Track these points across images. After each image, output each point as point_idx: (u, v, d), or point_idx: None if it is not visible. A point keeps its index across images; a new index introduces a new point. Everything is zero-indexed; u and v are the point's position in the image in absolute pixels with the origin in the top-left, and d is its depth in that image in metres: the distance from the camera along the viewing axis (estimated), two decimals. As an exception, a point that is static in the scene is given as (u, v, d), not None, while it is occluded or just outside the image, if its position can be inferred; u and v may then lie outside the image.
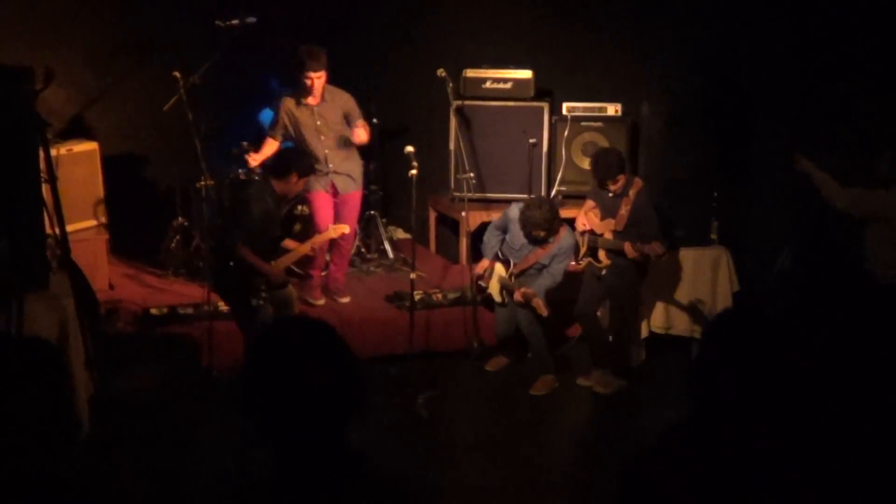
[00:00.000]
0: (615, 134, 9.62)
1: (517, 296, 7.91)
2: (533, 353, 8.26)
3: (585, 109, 9.76)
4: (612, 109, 9.75)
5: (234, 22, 8.31)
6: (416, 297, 8.36)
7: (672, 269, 8.62)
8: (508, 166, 9.60)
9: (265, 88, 9.44)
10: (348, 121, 8.55)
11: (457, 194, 9.27)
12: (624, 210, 7.85)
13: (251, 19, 8.38)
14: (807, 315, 8.21)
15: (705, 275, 8.67)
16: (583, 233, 8.12)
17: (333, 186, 8.58)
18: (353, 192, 8.69)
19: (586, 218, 8.12)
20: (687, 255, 8.68)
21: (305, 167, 7.74)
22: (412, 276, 7.99)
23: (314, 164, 8.26)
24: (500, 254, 8.23)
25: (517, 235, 8.05)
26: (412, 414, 7.60)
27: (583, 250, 8.15)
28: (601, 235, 8.01)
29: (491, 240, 8.24)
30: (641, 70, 9.64)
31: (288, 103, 8.50)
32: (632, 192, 7.86)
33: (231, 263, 7.32)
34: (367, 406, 2.71)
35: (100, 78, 9.68)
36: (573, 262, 8.21)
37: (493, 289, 8.24)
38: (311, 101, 8.42)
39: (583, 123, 9.70)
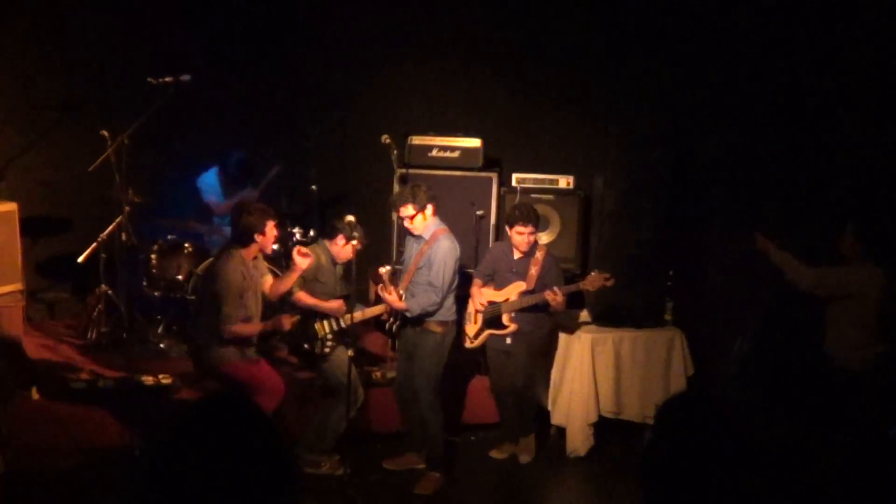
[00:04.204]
0: (567, 207, 9.60)
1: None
2: (426, 439, 8.01)
3: (536, 181, 9.73)
4: (564, 182, 9.72)
5: (168, 79, 8.28)
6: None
7: (624, 351, 8.64)
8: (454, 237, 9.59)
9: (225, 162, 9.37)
10: None
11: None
12: (534, 270, 8.07)
13: (185, 77, 8.34)
14: (765, 401, 8.25)
15: (658, 357, 8.68)
16: (479, 311, 8.24)
17: None
18: None
19: (480, 296, 8.25)
20: (639, 337, 8.71)
21: (350, 231, 7.77)
22: (349, 353, 7.92)
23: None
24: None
25: (404, 257, 8.15)
26: (346, 497, 7.52)
27: (476, 327, 8.26)
28: (504, 301, 8.14)
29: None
30: (596, 142, 9.67)
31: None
32: (539, 254, 8.11)
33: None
34: (296, 489, 2.66)
35: (22, 135, 9.60)
36: (469, 341, 8.34)
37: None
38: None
39: (533, 195, 9.66)
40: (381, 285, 7.82)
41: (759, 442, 2.87)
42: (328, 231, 7.94)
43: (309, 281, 7.82)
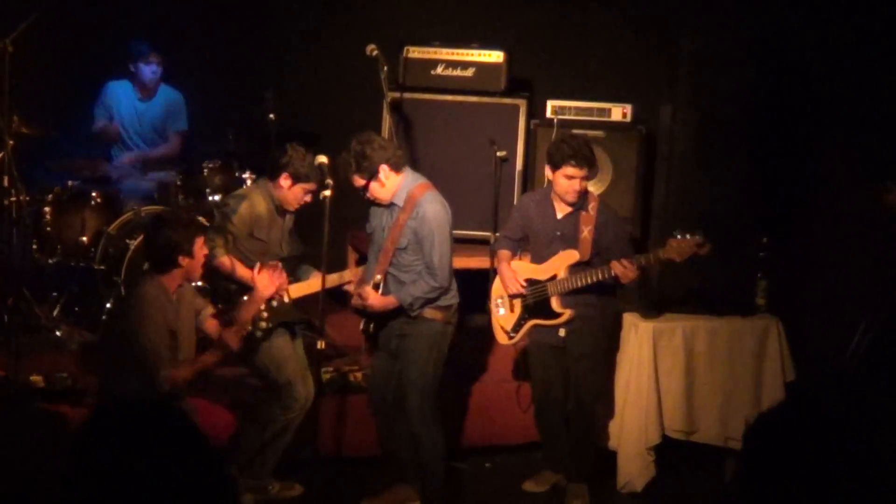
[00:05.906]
0: (621, 147, 9.66)
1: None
2: (419, 466, 8.02)
3: (580, 111, 9.81)
4: (619, 112, 9.81)
5: (68, -39, 8.29)
6: (325, 377, 8.29)
7: (698, 348, 8.60)
8: (465, 189, 9.53)
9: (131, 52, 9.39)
10: None
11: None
12: (586, 231, 7.96)
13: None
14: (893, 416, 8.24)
15: (747, 356, 8.65)
16: (514, 295, 8.16)
17: None
18: None
19: (513, 274, 8.16)
20: (720, 328, 8.67)
21: (299, 171, 7.69)
22: (320, 345, 7.90)
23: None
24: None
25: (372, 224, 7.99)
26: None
27: (513, 317, 8.22)
28: (550, 280, 8.05)
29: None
30: (662, 59, 9.72)
31: None
32: (591, 208, 8.01)
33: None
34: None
35: None
36: (506, 337, 8.30)
37: None
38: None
39: (576, 131, 9.66)
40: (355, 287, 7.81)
41: (887, 470, 2.82)
42: (269, 168, 7.82)
43: (241, 238, 7.69)
